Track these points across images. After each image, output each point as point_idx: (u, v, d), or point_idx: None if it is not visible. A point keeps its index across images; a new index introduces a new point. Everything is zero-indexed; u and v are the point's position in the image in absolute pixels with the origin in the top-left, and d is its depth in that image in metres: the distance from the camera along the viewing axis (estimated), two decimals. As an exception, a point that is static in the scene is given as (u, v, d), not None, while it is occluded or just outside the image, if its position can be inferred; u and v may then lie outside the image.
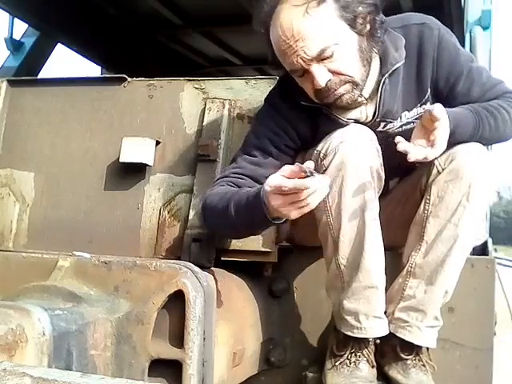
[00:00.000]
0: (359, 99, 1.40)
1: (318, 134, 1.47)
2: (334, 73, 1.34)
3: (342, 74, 1.35)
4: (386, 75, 1.42)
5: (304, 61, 1.32)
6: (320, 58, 1.32)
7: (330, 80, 1.34)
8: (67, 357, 1.04)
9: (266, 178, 1.47)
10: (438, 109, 1.27)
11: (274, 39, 1.36)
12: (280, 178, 1.16)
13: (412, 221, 1.46)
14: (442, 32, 1.45)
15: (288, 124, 1.49)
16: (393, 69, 1.42)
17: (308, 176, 1.12)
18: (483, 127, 1.40)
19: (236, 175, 1.47)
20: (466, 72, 1.46)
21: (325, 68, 1.33)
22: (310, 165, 1.16)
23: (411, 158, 1.27)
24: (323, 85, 1.34)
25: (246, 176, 1.46)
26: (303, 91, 1.43)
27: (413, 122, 1.48)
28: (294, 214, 1.17)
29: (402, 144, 1.28)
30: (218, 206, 1.37)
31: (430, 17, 1.47)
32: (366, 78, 1.40)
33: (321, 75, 1.33)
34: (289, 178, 1.15)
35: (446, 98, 1.46)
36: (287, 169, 1.17)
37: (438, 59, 1.44)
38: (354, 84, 1.37)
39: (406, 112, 1.48)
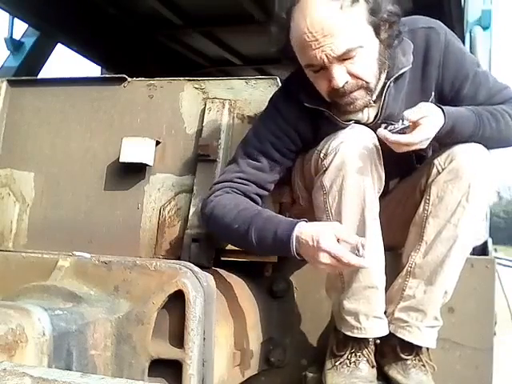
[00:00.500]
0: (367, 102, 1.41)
1: (318, 136, 1.47)
2: (352, 75, 1.33)
3: (360, 79, 1.34)
4: (392, 79, 1.42)
5: (328, 58, 1.30)
6: (344, 57, 1.30)
7: (347, 82, 1.33)
8: (67, 357, 1.04)
9: (269, 182, 1.50)
10: (412, 112, 1.31)
11: (297, 29, 1.31)
12: (339, 246, 1.23)
13: (412, 221, 1.46)
14: (448, 36, 1.45)
15: (290, 126, 1.49)
16: (399, 73, 1.42)
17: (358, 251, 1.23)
18: (484, 128, 1.39)
19: (240, 180, 1.47)
20: (471, 76, 1.46)
21: (345, 69, 1.32)
22: (363, 242, 1.23)
23: (390, 139, 1.30)
24: (341, 86, 1.32)
25: (249, 181, 1.47)
26: (307, 92, 1.43)
27: None
28: (324, 270, 1.30)
29: (380, 130, 1.31)
30: (232, 225, 1.38)
31: (437, 21, 1.47)
32: (377, 84, 1.40)
33: (340, 76, 1.31)
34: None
35: (451, 101, 1.46)
36: (343, 233, 1.25)
37: (444, 63, 1.44)
38: (368, 90, 1.37)
39: None
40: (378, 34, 1.34)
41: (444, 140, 1.38)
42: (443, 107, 1.34)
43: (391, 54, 1.40)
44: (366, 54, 1.33)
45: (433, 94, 1.47)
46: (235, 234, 1.38)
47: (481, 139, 1.40)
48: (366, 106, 1.42)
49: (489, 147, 1.42)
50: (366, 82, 1.35)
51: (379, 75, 1.39)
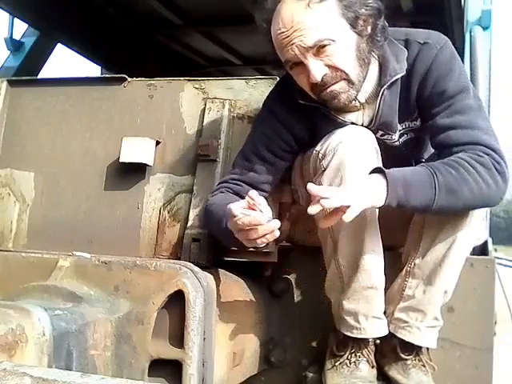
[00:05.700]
0: (353, 102, 1.40)
1: (316, 134, 1.47)
2: (329, 67, 1.34)
3: (338, 69, 1.34)
4: (385, 86, 1.40)
5: (300, 51, 1.31)
6: (316, 49, 1.31)
7: (325, 74, 1.34)
8: (67, 357, 1.04)
9: (263, 183, 1.51)
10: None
11: (273, 32, 1.36)
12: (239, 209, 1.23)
13: (411, 221, 1.46)
14: (439, 52, 1.38)
15: (284, 127, 1.49)
16: (392, 80, 1.40)
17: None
18: (441, 201, 1.26)
19: (234, 181, 1.51)
20: (448, 97, 1.35)
21: (322, 62, 1.33)
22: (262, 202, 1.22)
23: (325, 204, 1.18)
24: (319, 79, 1.33)
25: (242, 182, 1.50)
26: (302, 89, 1.43)
27: (406, 134, 1.48)
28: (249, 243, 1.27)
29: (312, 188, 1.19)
30: (216, 215, 1.41)
31: (438, 35, 1.40)
32: (363, 79, 1.39)
33: (317, 69, 1.32)
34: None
35: (426, 118, 1.41)
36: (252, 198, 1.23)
37: (426, 77, 1.38)
38: (350, 83, 1.36)
39: (398, 124, 1.47)
40: (354, 27, 1.34)
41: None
42: (392, 189, 1.24)
43: (377, 47, 1.39)
44: (341, 47, 1.33)
45: (416, 110, 1.44)
46: (215, 222, 1.41)
47: (442, 210, 1.30)
48: (351, 103, 1.40)
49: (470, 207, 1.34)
50: (345, 72, 1.35)
51: (363, 68, 1.37)
